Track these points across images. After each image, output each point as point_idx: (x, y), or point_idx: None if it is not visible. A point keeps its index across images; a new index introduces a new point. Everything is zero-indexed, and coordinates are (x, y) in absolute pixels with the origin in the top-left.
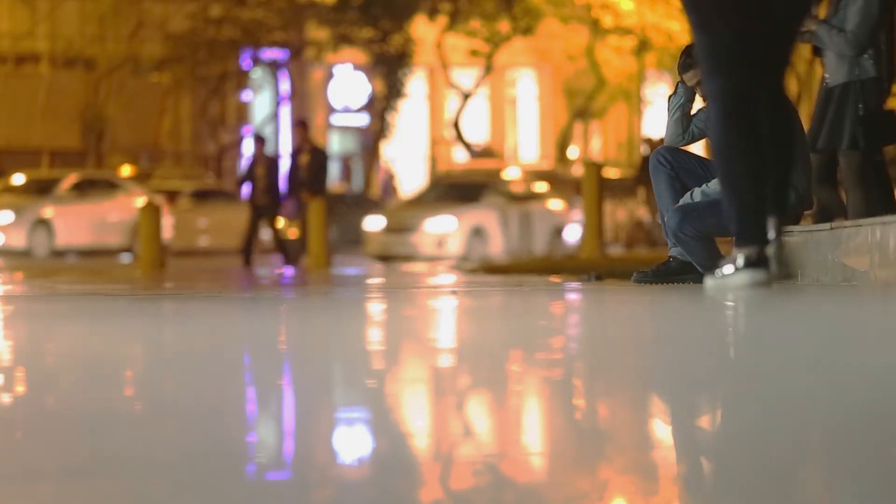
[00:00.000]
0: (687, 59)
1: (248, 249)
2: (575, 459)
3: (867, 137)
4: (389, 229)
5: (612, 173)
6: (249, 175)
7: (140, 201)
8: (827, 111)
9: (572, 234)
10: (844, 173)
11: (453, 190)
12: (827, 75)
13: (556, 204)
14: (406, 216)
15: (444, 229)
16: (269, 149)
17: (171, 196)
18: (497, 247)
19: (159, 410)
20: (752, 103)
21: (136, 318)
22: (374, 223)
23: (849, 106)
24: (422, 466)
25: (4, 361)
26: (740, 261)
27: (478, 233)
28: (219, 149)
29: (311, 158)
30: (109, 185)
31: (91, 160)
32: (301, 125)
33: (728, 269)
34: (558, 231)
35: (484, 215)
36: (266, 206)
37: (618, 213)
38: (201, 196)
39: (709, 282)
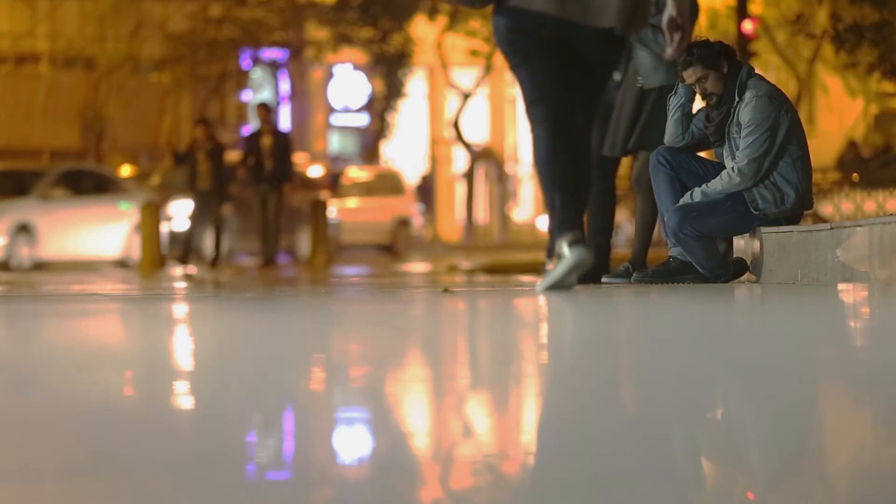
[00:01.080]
0: (687, 57)
1: (188, 243)
2: (575, 459)
3: None
4: None
5: None
6: (188, 159)
7: None
8: (640, 113)
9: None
10: (640, 175)
11: (2, 178)
12: (640, 77)
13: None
14: None
15: None
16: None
17: None
18: (50, 248)
19: (159, 410)
20: (569, 125)
21: (137, 318)
22: None
23: (660, 109)
24: (422, 466)
25: (4, 361)
26: (565, 246)
27: (24, 230)
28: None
29: (275, 141)
30: None
31: (91, 160)
32: (263, 107)
33: (553, 266)
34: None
35: (30, 211)
36: (209, 192)
37: None
38: None
39: (539, 286)
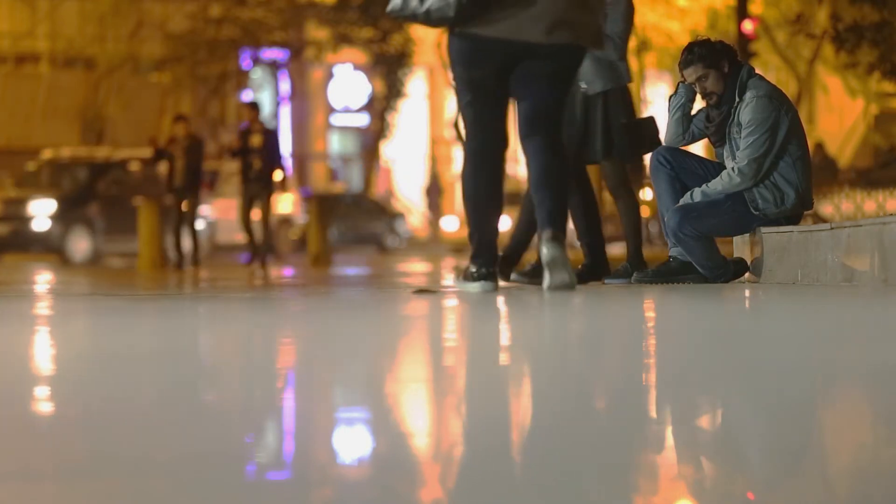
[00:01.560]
0: (688, 56)
1: (177, 241)
2: (575, 459)
3: (634, 144)
4: None
5: None
6: (165, 155)
7: None
8: (592, 120)
9: None
10: (614, 180)
11: None
12: (582, 83)
13: None
14: None
15: None
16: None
17: None
18: None
19: (159, 410)
20: (496, 159)
21: (137, 318)
22: None
23: (613, 113)
24: (422, 466)
25: (4, 361)
26: (476, 273)
27: None
28: (218, 148)
29: (266, 139)
30: None
31: None
32: (251, 106)
33: (466, 279)
34: None
35: None
36: (184, 187)
37: None
38: None
39: (455, 284)
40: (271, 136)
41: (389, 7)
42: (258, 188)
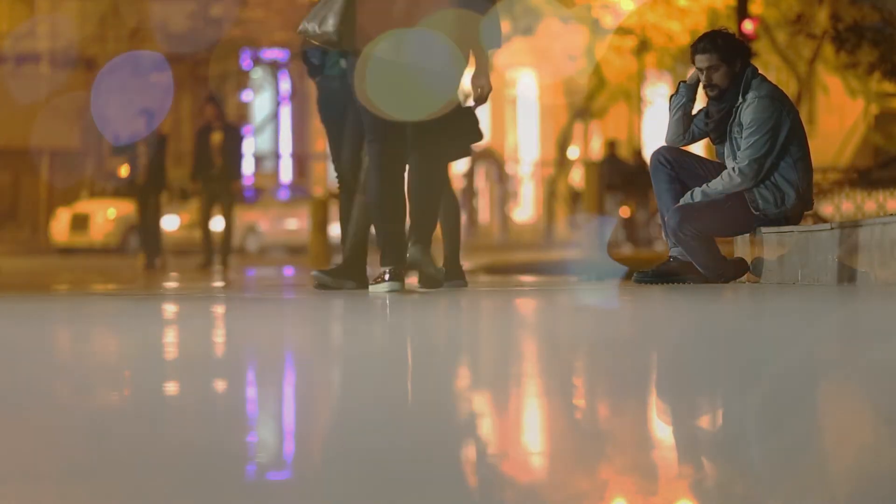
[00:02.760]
0: (709, 44)
1: (148, 242)
2: (575, 459)
3: (457, 136)
4: None
5: None
6: (128, 150)
7: None
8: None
9: None
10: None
11: None
12: None
13: None
14: None
15: None
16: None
17: None
18: None
19: (159, 410)
20: (399, 162)
21: (137, 318)
22: None
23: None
24: (421, 467)
25: (5, 362)
26: (387, 274)
27: None
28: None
29: (226, 137)
30: None
31: (91, 160)
32: (212, 101)
33: (379, 282)
34: None
35: None
36: (147, 186)
37: None
38: None
39: (370, 288)
40: (233, 135)
41: (300, 28)
42: (219, 188)
